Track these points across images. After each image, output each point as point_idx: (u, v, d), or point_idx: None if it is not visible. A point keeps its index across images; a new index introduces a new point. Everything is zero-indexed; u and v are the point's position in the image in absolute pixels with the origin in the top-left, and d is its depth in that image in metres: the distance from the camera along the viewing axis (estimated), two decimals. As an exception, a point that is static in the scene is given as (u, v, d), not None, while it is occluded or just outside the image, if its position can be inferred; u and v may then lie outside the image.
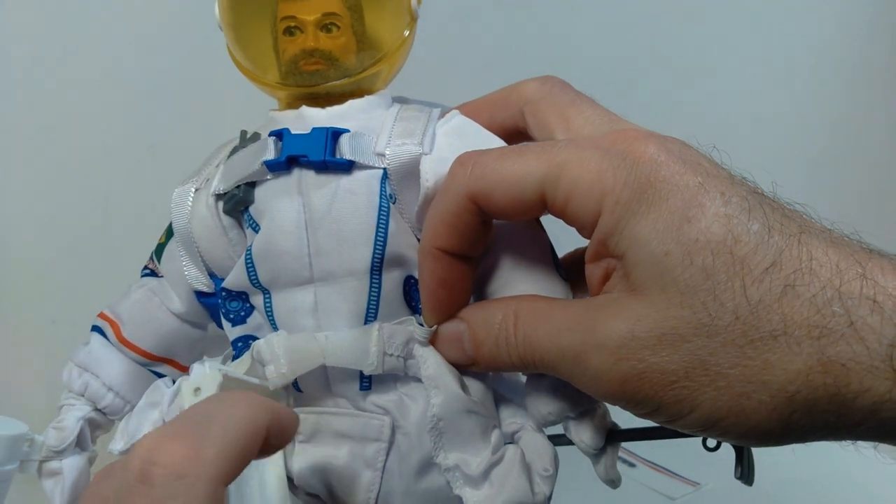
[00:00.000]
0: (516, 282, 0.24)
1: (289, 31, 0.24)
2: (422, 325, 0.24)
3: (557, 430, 0.26)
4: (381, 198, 0.23)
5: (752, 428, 0.20)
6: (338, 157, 0.23)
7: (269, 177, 0.24)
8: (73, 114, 0.48)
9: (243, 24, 0.25)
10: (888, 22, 0.66)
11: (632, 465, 0.49)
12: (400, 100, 0.28)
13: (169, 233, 0.26)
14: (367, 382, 0.24)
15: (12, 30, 0.46)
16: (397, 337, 0.23)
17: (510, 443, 0.25)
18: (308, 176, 0.23)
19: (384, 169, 0.24)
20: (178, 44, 0.46)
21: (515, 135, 0.27)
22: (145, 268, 0.27)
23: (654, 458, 0.49)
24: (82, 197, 0.48)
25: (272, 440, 0.19)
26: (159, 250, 0.27)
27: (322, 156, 0.23)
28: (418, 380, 0.24)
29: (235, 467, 0.18)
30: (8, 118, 0.47)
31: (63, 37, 0.47)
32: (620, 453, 0.50)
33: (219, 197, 0.25)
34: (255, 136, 0.25)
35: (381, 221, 0.23)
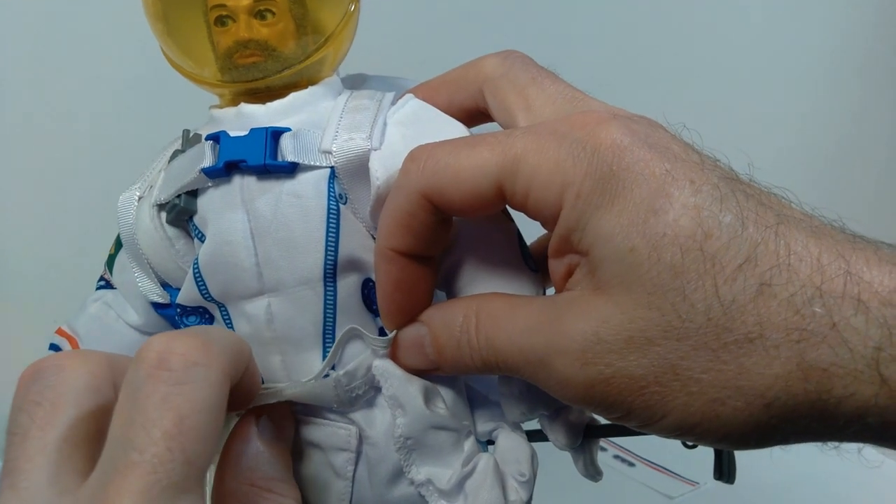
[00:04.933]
0: (481, 279, 0.23)
1: (220, 21, 0.22)
2: (381, 331, 0.23)
3: (537, 425, 0.25)
4: (329, 199, 0.22)
5: (728, 434, 0.19)
6: (279, 159, 0.22)
7: (209, 184, 0.22)
8: (73, 114, 0.47)
9: (173, 14, 0.23)
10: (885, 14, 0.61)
11: (631, 464, 0.49)
12: (356, 79, 0.26)
13: (118, 243, 0.25)
14: None
15: (12, 30, 0.45)
16: (358, 375, 0.22)
17: (489, 442, 0.25)
18: (250, 182, 0.22)
19: (331, 168, 0.22)
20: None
21: (477, 115, 0.25)
22: (101, 279, 0.26)
23: (653, 458, 0.49)
24: (82, 197, 0.48)
25: (245, 386, 0.20)
26: (110, 261, 0.25)
27: (262, 160, 0.21)
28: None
29: (235, 369, 0.19)
30: (8, 118, 0.46)
31: (63, 37, 0.46)
32: (619, 452, 0.50)
33: (161, 207, 0.23)
34: (197, 138, 0.23)
35: (331, 225, 0.22)
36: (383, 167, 0.22)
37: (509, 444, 0.24)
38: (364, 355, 0.22)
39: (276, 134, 0.22)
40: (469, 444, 0.23)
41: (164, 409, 0.17)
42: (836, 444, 0.19)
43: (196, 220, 0.23)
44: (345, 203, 0.22)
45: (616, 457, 0.49)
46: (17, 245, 0.48)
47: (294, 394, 0.22)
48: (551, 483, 0.24)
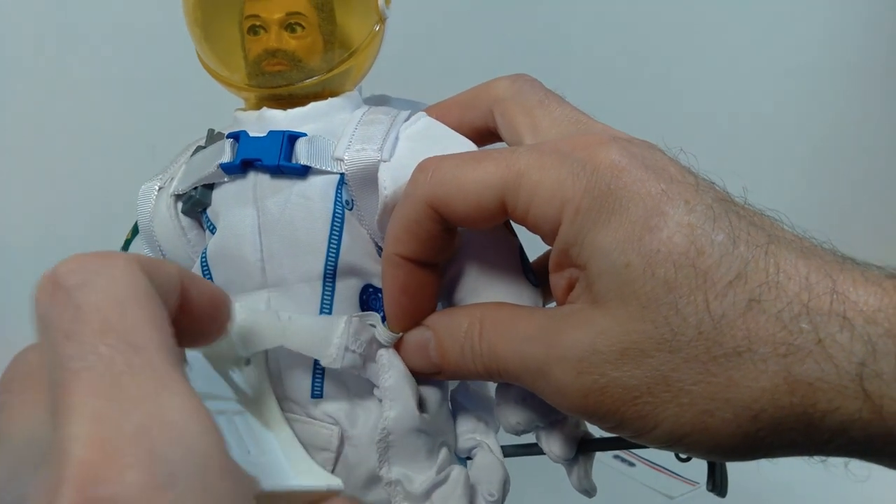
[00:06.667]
0: (482, 289, 0.24)
1: (253, 31, 0.24)
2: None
3: (531, 437, 0.25)
4: (335, 204, 0.23)
5: (717, 445, 0.19)
6: (293, 161, 0.23)
7: (225, 179, 0.24)
8: (73, 114, 0.48)
9: (211, 21, 0.25)
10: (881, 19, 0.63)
11: (631, 464, 0.49)
12: (379, 99, 0.27)
13: (135, 230, 0.26)
14: (318, 390, 0.23)
15: (12, 29, 0.47)
16: (363, 334, 0.23)
17: (466, 458, 0.25)
18: (263, 180, 0.23)
19: (341, 174, 0.23)
20: (180, 43, 0.46)
21: (486, 135, 0.26)
22: None
23: (653, 458, 0.48)
24: (83, 197, 0.49)
25: (196, 307, 0.18)
26: (125, 247, 0.27)
27: (276, 160, 0.23)
28: (371, 389, 0.23)
29: (148, 267, 0.16)
30: (8, 118, 0.48)
31: (63, 36, 0.47)
32: (619, 452, 0.49)
33: (178, 197, 0.25)
34: (219, 136, 0.25)
35: (335, 228, 0.23)
36: (392, 178, 0.23)
37: (485, 463, 0.24)
38: (370, 327, 0.23)
39: (292, 138, 0.23)
40: (443, 454, 0.24)
41: (83, 313, 0.15)
42: (823, 458, 0.20)
43: (209, 212, 0.24)
44: (350, 209, 0.23)
45: (616, 457, 0.49)
46: (20, 244, 0.49)
47: (297, 331, 0.22)
48: (551, 483, 0.25)
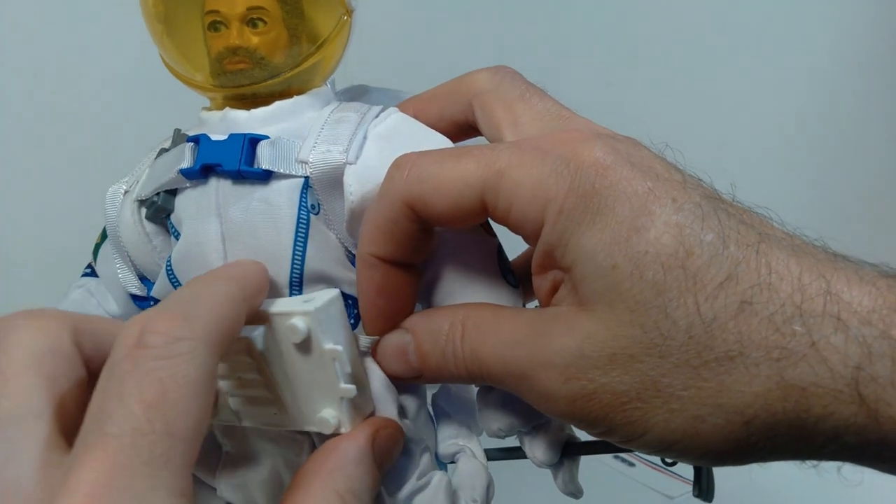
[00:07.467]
0: (459, 292, 0.23)
1: (214, 27, 0.23)
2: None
3: (516, 440, 0.25)
4: (300, 209, 0.22)
5: (708, 451, 0.19)
6: (255, 166, 0.22)
7: (187, 185, 0.22)
8: (73, 114, 0.47)
9: (171, 17, 0.23)
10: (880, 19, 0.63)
11: (631, 464, 0.49)
12: (357, 91, 0.26)
13: (104, 234, 0.25)
14: None
15: (13, 30, 0.45)
16: None
17: (450, 462, 0.25)
18: (225, 186, 0.22)
19: (306, 178, 0.22)
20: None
21: (466, 129, 0.25)
22: (88, 266, 0.27)
23: (653, 458, 0.49)
24: (83, 197, 0.47)
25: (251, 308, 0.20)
26: (96, 250, 0.26)
27: (236, 165, 0.21)
28: None
29: (225, 339, 0.18)
30: (8, 118, 0.47)
31: (63, 37, 0.46)
32: (619, 452, 0.50)
33: (141, 203, 0.23)
34: (183, 138, 0.24)
35: (300, 235, 0.22)
36: (358, 183, 0.22)
37: (468, 468, 0.24)
38: None
39: (253, 141, 0.22)
40: (425, 459, 0.23)
41: (145, 383, 0.15)
42: (815, 462, 0.19)
43: (173, 218, 0.23)
44: (317, 213, 0.22)
45: (616, 457, 0.49)
46: (18, 245, 0.48)
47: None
48: (547, 483, 0.24)
